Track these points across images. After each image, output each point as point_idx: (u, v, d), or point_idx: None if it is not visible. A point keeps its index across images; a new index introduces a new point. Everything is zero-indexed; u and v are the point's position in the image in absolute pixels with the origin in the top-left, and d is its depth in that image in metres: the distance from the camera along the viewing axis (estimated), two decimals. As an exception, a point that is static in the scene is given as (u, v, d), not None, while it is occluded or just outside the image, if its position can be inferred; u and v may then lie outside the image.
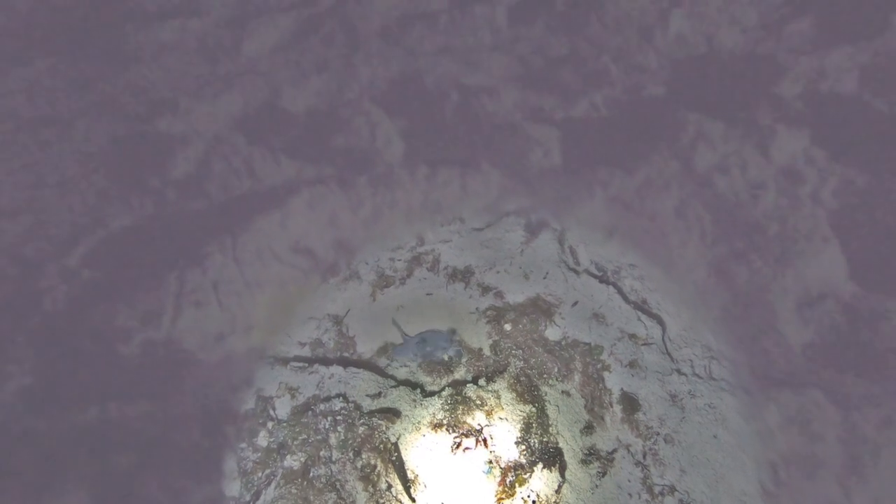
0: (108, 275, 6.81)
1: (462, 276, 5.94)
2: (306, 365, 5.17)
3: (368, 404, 4.39)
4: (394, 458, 4.05)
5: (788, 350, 4.76)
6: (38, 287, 6.86)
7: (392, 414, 4.17)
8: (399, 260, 6.39)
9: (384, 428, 4.19)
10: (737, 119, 7.16)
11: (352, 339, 5.77)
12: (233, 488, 4.33)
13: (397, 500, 3.91)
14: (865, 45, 8.26)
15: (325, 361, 5.09)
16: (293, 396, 4.82)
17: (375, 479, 3.99)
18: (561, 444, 4.27)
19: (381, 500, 3.91)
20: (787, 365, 4.61)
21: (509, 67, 9.94)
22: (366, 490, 3.96)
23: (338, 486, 3.94)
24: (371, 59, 10.33)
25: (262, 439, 4.51)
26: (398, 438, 4.19)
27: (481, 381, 4.76)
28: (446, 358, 4.96)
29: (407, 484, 4.01)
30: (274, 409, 4.78)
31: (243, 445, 4.47)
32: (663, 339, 4.88)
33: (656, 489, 3.98)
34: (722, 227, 5.78)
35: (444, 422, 4.29)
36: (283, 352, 5.47)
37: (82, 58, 10.97)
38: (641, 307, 5.18)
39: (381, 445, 4.08)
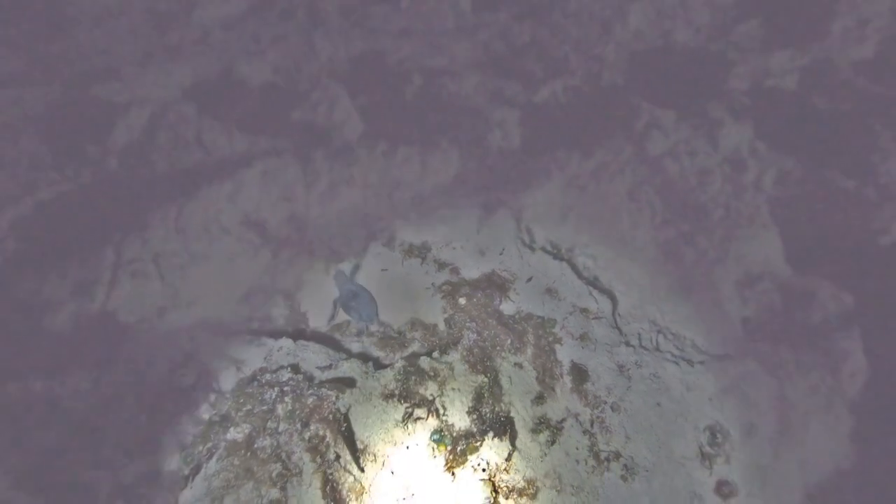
0: (37, 244, 6.34)
1: (418, 251, 5.90)
2: (253, 338, 4.99)
3: (319, 376, 4.29)
4: (343, 429, 3.96)
5: (729, 324, 5.00)
6: (-42, 257, 6.32)
7: (343, 384, 4.08)
8: (355, 236, 6.27)
9: (334, 398, 4.10)
10: (687, 110, 7.46)
11: (304, 315, 5.62)
12: (171, 463, 4.13)
13: (346, 469, 3.83)
14: (807, 47, 8.74)
15: (274, 334, 4.93)
16: (238, 369, 4.65)
17: (324, 449, 3.90)
18: (512, 414, 4.31)
19: (329, 471, 3.83)
20: (727, 338, 4.84)
21: (472, 52, 9.91)
22: (313, 461, 3.86)
23: (283, 457, 3.82)
24: (331, 37, 10.07)
25: (204, 412, 4.32)
26: (348, 409, 4.11)
27: (435, 354, 4.74)
28: (356, 323, 4.86)
29: (356, 454, 3.94)
30: (217, 381, 4.59)
31: (185, 418, 4.26)
32: (613, 314, 5.01)
33: (602, 455, 4.08)
34: (671, 210, 6.01)
35: (396, 392, 4.24)
36: (229, 325, 5.26)
37: (13, 18, 10.19)
38: (593, 283, 5.31)
39: (331, 416, 3.99)
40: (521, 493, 3.94)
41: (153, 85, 8.92)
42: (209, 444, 4.12)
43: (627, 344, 4.64)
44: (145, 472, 4.16)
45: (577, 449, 4.15)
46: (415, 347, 5.01)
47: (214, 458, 4.04)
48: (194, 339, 5.13)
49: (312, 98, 8.58)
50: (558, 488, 3.92)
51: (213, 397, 4.40)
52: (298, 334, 4.96)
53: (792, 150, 6.80)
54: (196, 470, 4.04)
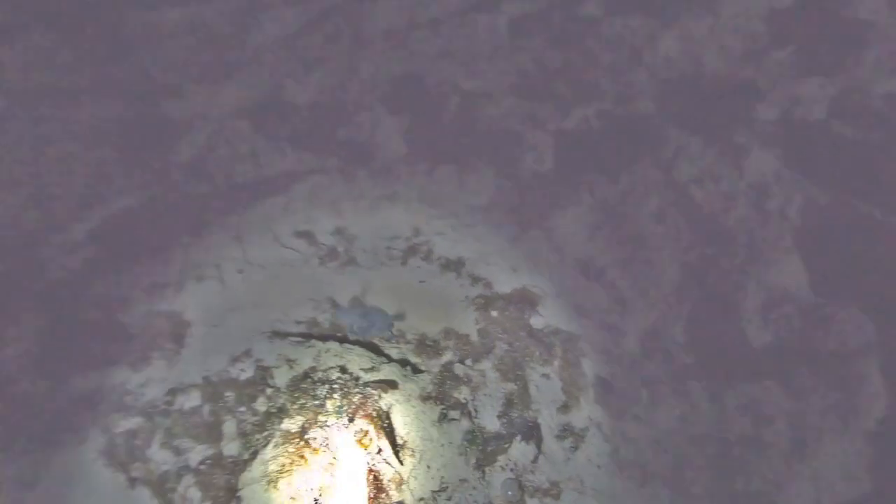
0: (112, 249, 7.03)
1: (454, 266, 6.32)
2: (304, 340, 5.48)
3: (363, 377, 4.73)
4: (385, 425, 4.38)
5: (748, 346, 5.23)
6: (41, 257, 7.05)
7: (388, 385, 4.52)
8: (395, 249, 6.74)
9: (377, 397, 4.53)
10: (715, 137, 7.70)
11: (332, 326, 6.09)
12: (231, 448, 4.62)
13: (387, 462, 4.24)
14: (838, 76, 8.89)
15: (322, 337, 5.41)
16: (291, 367, 5.13)
17: (368, 443, 4.32)
18: (539, 420, 4.65)
19: (372, 462, 4.24)
20: (747, 358, 5.07)
21: (507, 75, 10.38)
22: (356, 454, 4.28)
23: (332, 448, 4.26)
24: (373, 59, 10.68)
25: (261, 404, 4.81)
26: (390, 408, 4.53)
27: (468, 362, 5.12)
28: (379, 338, 5.31)
29: (396, 449, 4.34)
30: (272, 377, 5.08)
31: (242, 409, 4.76)
32: (636, 332, 5.31)
33: (624, 462, 4.38)
34: (696, 234, 6.27)
35: (433, 395, 4.64)
36: (280, 328, 5.78)
37: (83, 36, 11.12)
38: (618, 302, 5.62)
39: (375, 413, 4.41)
40: (545, 493, 4.27)
41: (210, 102, 9.66)
42: (266, 433, 4.60)
43: (650, 360, 4.93)
44: (210, 455, 4.66)
45: (598, 455, 4.45)
46: (449, 355, 5.41)
47: (270, 446, 4.51)
48: (251, 339, 5.66)
49: (356, 118, 9.16)
50: (580, 490, 4.24)
51: (269, 391, 4.88)
52: (344, 338, 5.42)
53: (818, 179, 6.97)
54: (254, 455, 4.52)
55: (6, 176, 8.19)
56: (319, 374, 4.67)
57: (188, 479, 4.58)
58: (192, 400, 5.19)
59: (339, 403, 4.49)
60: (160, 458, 4.77)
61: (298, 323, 5.99)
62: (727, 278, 5.84)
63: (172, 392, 5.29)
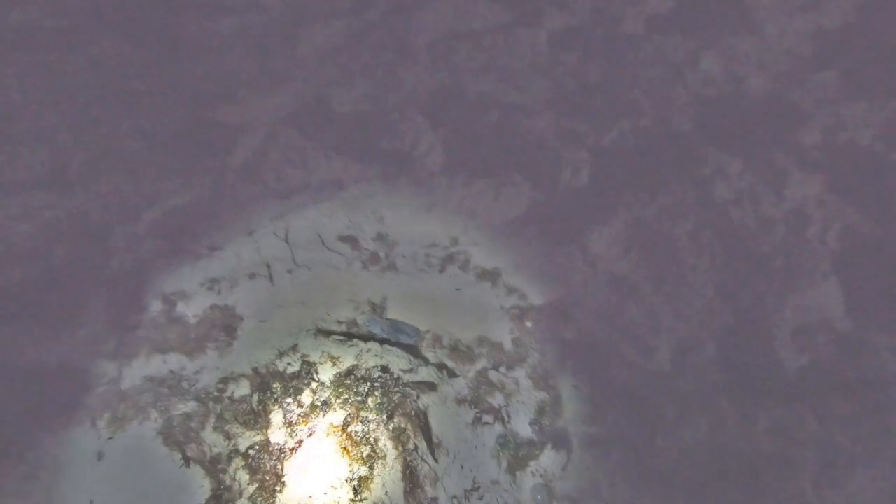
0: (172, 244, 7.52)
1: (490, 276, 6.54)
2: (346, 339, 5.79)
3: (402, 377, 5.00)
4: (422, 424, 4.63)
5: (782, 368, 5.26)
6: (108, 248, 7.61)
7: (427, 387, 4.76)
8: (434, 257, 7.01)
9: (416, 397, 4.78)
10: (755, 159, 7.70)
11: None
12: (278, 436, 4.95)
13: (422, 459, 4.48)
14: (884, 102, 8.74)
15: (364, 338, 5.70)
16: (334, 364, 5.44)
17: (405, 440, 4.58)
18: (569, 429, 4.81)
19: (409, 458, 4.49)
20: (780, 381, 5.11)
21: (547, 90, 10.56)
22: (395, 448, 4.54)
23: (372, 441, 4.53)
24: (416, 71, 11.02)
25: (306, 397, 5.13)
26: (427, 408, 4.77)
27: (502, 369, 5.33)
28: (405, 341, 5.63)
29: (432, 447, 4.58)
30: (317, 373, 5.40)
31: (289, 401, 5.09)
32: (667, 345, 5.40)
33: (650, 474, 4.50)
34: (731, 255, 6.31)
35: (468, 398, 4.86)
36: (324, 326, 6.11)
37: (145, 43, 11.82)
38: (652, 316, 5.72)
39: (413, 412, 4.66)
40: (573, 500, 4.43)
41: (261, 109, 10.17)
42: (310, 424, 4.91)
43: (681, 377, 5.03)
44: (258, 441, 5.01)
45: (624, 464, 4.58)
46: (483, 362, 5.63)
47: (314, 437, 4.81)
48: (297, 335, 6.01)
49: (399, 129, 9.49)
50: (607, 500, 4.38)
51: (314, 385, 5.20)
52: (385, 340, 5.71)
53: (860, 205, 6.90)
54: (299, 444, 4.83)
55: (76, 173, 8.83)
56: (362, 372, 4.96)
57: (238, 462, 4.93)
58: (241, 389, 5.56)
59: (379, 401, 4.76)
60: (212, 440, 5.14)
61: (339, 323, 6.33)
62: (762, 300, 5.87)
63: (224, 380, 5.68)
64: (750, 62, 10.33)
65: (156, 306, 6.54)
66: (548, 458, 4.63)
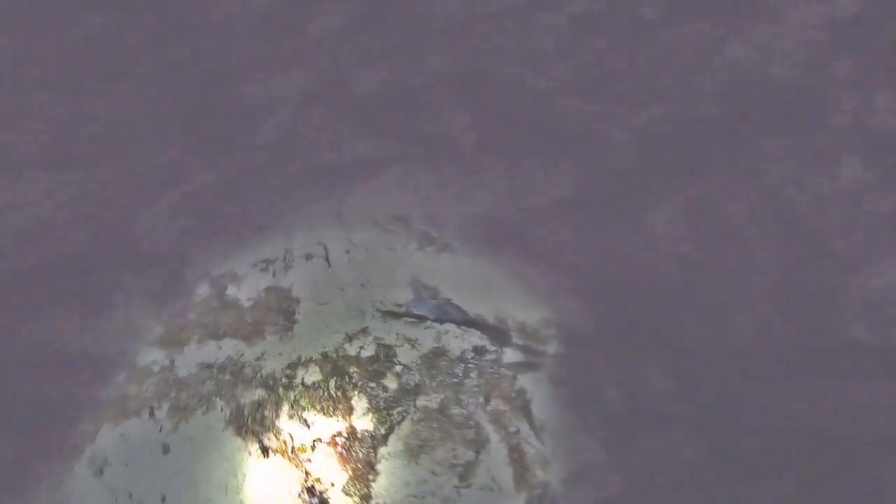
0: (205, 224, 7.03)
1: (548, 255, 6.36)
2: (419, 321, 5.52)
3: (495, 357, 4.78)
4: (523, 406, 4.43)
5: (855, 346, 5.32)
6: (133, 230, 7.05)
7: (522, 367, 4.56)
8: (487, 236, 6.78)
9: (512, 378, 4.58)
10: (795, 141, 7.78)
11: (446, 306, 6.12)
12: (364, 423, 4.66)
13: (526, 441, 4.29)
14: None
15: (440, 319, 5.44)
16: (413, 346, 5.17)
17: (506, 422, 4.37)
18: (651, 408, 4.69)
19: (511, 441, 4.29)
20: (859, 359, 5.15)
21: (573, 74, 10.38)
22: (497, 431, 4.33)
23: (473, 425, 4.31)
24: (436, 52, 10.66)
25: (391, 381, 4.85)
26: (525, 389, 4.58)
27: (576, 350, 5.17)
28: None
29: (535, 429, 4.39)
30: (395, 356, 5.12)
31: (372, 385, 4.80)
32: (740, 326, 5.37)
33: (741, 453, 4.43)
34: (790, 234, 6.35)
35: (563, 379, 4.69)
36: (391, 309, 5.81)
37: (143, 21, 11.02)
38: (720, 296, 5.69)
39: (512, 394, 4.46)
40: (674, 483, 4.33)
41: (279, 89, 9.64)
42: (400, 409, 4.64)
43: (758, 355, 5.00)
44: (344, 428, 4.70)
45: (708, 442, 4.51)
46: (555, 344, 5.46)
47: (407, 421, 4.55)
48: (362, 318, 5.69)
49: (431, 110, 9.16)
50: (698, 479, 4.29)
51: (398, 368, 4.92)
52: (464, 321, 5.47)
53: (901, 188, 7.06)
54: (390, 430, 4.56)
55: (82, 153, 8.18)
56: (456, 353, 4.71)
57: (323, 450, 4.62)
58: (312, 374, 5.22)
59: (476, 382, 4.53)
60: (290, 429, 4.80)
61: (398, 306, 6.03)
62: (827, 279, 5.93)
63: (292, 366, 5.32)
64: (772, 49, 10.42)
65: (203, 289, 6.08)
66: (641, 437, 4.51)
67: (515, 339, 5.41)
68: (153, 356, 5.54)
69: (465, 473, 4.26)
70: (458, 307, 5.70)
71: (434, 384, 4.60)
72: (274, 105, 9.24)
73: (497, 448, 4.36)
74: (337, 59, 10.32)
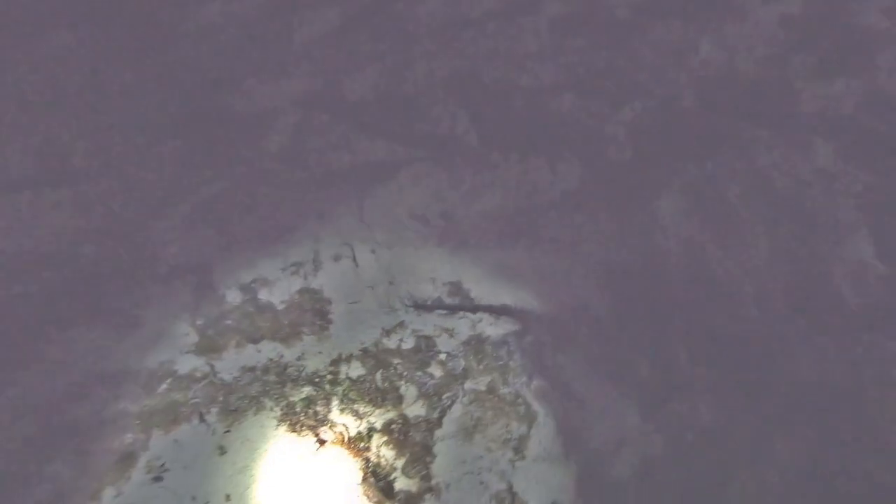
0: (222, 233, 7.08)
1: (566, 243, 6.72)
2: (451, 312, 5.78)
3: (536, 340, 5.08)
4: (562, 382, 4.75)
5: (843, 306, 5.89)
6: (149, 243, 7.05)
7: (560, 347, 4.88)
8: (503, 230, 7.09)
9: (550, 356, 4.89)
10: (773, 129, 8.43)
11: (470, 298, 6.41)
12: (415, 409, 4.89)
13: (570, 413, 4.61)
14: (859, 78, 9.77)
15: (472, 309, 5.72)
16: (451, 336, 5.42)
17: (550, 397, 4.69)
18: (685, 375, 5.09)
19: (557, 416, 4.61)
20: (842, 318, 5.72)
21: (558, 74, 10.83)
22: (541, 407, 4.64)
23: (522, 402, 4.60)
24: (425, 57, 10.92)
25: (435, 369, 5.09)
26: (564, 367, 4.90)
27: (601, 332, 5.53)
28: None
29: (576, 402, 4.71)
30: (436, 346, 5.36)
31: (419, 374, 5.03)
32: (746, 298, 5.86)
33: (769, 411, 4.87)
34: (780, 213, 6.92)
35: (594, 355, 5.03)
36: (423, 303, 6.04)
37: (119, 33, 10.89)
38: (725, 273, 6.18)
39: (553, 372, 4.77)
40: (709, 439, 4.73)
41: (273, 96, 9.72)
42: (449, 394, 4.89)
43: (764, 325, 5.48)
44: (396, 416, 4.91)
45: (734, 402, 4.94)
46: (580, 326, 5.82)
47: (458, 404, 4.80)
48: (396, 313, 5.91)
49: (431, 113, 9.43)
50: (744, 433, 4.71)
51: (442, 356, 5.17)
52: (496, 309, 5.75)
53: (867, 164, 7.77)
54: (442, 414, 4.80)
55: (84, 169, 8.10)
56: (497, 337, 4.99)
57: (379, 439, 4.81)
58: (356, 369, 5.40)
59: (519, 363, 4.83)
60: (344, 421, 4.97)
61: (424, 300, 6.26)
62: (814, 252, 6.51)
63: (335, 363, 5.48)
64: (739, 47, 11.13)
65: (234, 296, 6.15)
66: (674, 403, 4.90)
67: (545, 324, 5.72)
68: (193, 364, 5.60)
69: (519, 447, 4.54)
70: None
71: (481, 367, 4.87)
72: (272, 113, 9.31)
73: (545, 421, 4.66)
74: (326, 65, 10.45)
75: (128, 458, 4.81)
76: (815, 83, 10.19)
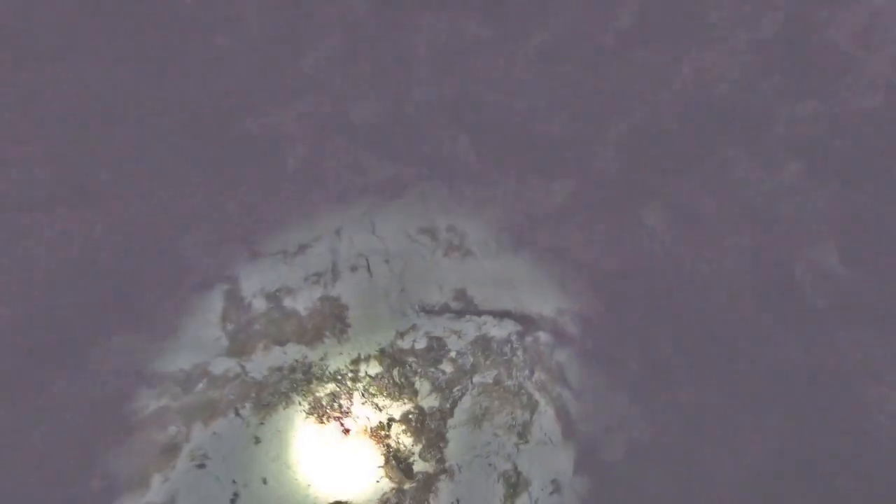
0: (248, 247, 7.67)
1: (559, 252, 7.36)
2: (458, 315, 6.37)
3: (537, 339, 5.68)
4: (560, 375, 5.34)
5: (808, 305, 6.53)
6: (180, 257, 7.62)
7: (559, 345, 5.47)
8: (503, 242, 7.73)
9: (550, 353, 5.49)
10: (747, 147, 9.18)
11: (475, 304, 7.00)
12: (430, 401, 5.46)
13: (568, 403, 5.20)
14: (827, 99, 10.57)
15: (478, 312, 6.31)
16: (459, 337, 6.01)
17: (550, 389, 5.27)
18: (672, 362, 5.69)
19: (557, 404, 5.20)
20: (807, 316, 6.36)
21: (549, 98, 11.59)
22: (542, 397, 5.23)
23: (524, 393, 5.19)
24: (425, 83, 11.68)
25: (446, 365, 5.67)
26: (562, 363, 5.50)
27: (590, 334, 6.13)
28: None
29: (573, 393, 5.30)
30: (446, 346, 5.94)
31: (432, 370, 5.61)
32: (721, 299, 6.49)
33: (748, 395, 5.47)
34: (754, 222, 7.61)
35: (592, 353, 5.63)
36: (431, 308, 6.63)
37: (131, 64, 11.57)
38: (703, 275, 6.82)
39: (553, 365, 5.37)
40: (691, 423, 5.31)
41: (287, 121, 10.41)
42: (459, 387, 5.47)
43: (739, 323, 6.10)
44: (412, 407, 5.47)
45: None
46: (571, 327, 6.42)
47: (468, 395, 5.38)
48: (408, 317, 6.49)
49: (433, 135, 10.12)
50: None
51: (452, 354, 5.75)
52: (498, 312, 6.34)
53: (835, 177, 8.50)
54: (454, 404, 5.37)
55: (117, 187, 8.69)
56: (504, 335, 5.58)
57: (398, 428, 5.37)
58: (374, 368, 5.96)
59: (521, 359, 5.42)
60: (366, 412, 5.52)
61: (432, 306, 6.86)
62: (783, 258, 7.18)
63: (355, 362, 6.05)
64: (716, 70, 11.97)
65: (260, 303, 6.72)
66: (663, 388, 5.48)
67: (543, 325, 6.32)
68: (226, 365, 6.14)
69: (523, 432, 5.11)
70: None
71: (488, 363, 5.45)
72: (286, 137, 9.97)
73: (546, 410, 5.24)
74: (332, 91, 11.16)
75: (172, 449, 5.33)
76: (786, 104, 11.01)
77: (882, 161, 8.67)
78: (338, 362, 6.08)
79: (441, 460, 4.98)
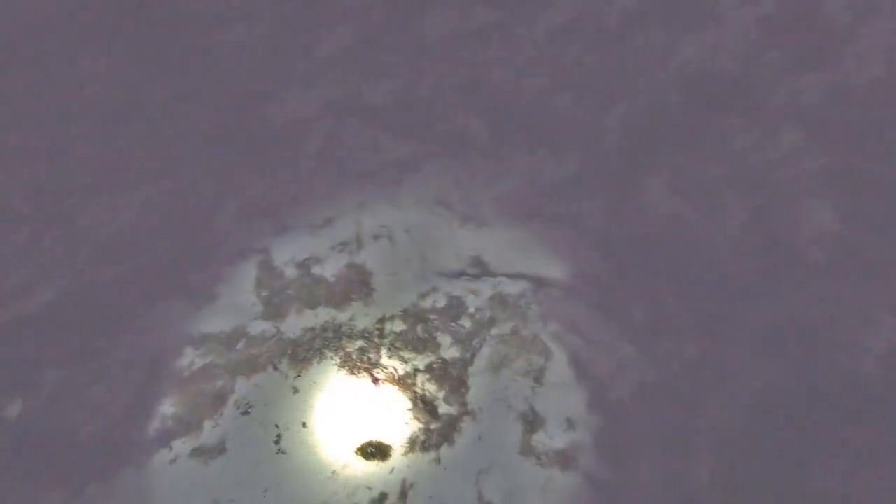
0: (276, 222, 8.12)
1: (572, 220, 7.71)
2: (476, 277, 6.77)
3: (550, 293, 6.06)
4: (572, 326, 5.72)
5: (802, 264, 6.82)
6: (213, 234, 8.10)
7: (569, 300, 5.85)
8: (517, 212, 8.09)
9: (561, 306, 5.87)
10: (749, 118, 9.39)
11: (489, 269, 7.39)
12: (451, 352, 5.88)
13: (580, 350, 5.58)
14: (825, 71, 10.68)
15: (493, 274, 6.71)
16: (477, 295, 6.42)
17: (563, 338, 5.66)
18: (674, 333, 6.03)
19: (569, 351, 5.58)
20: (804, 271, 6.65)
21: (556, 77, 11.84)
22: (555, 345, 5.62)
23: (539, 342, 5.59)
24: (436, 66, 11.99)
25: (465, 321, 6.09)
26: (572, 315, 5.87)
27: (598, 292, 6.49)
28: None
29: (584, 341, 5.68)
30: (464, 304, 6.35)
31: (452, 325, 6.02)
32: (725, 261, 6.80)
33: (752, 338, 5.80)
34: (754, 189, 7.87)
35: (603, 306, 6.00)
36: (450, 272, 7.04)
37: (143, 58, 12.02)
38: (708, 240, 7.13)
39: (563, 318, 5.75)
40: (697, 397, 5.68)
41: (304, 105, 10.81)
42: (478, 339, 5.88)
43: (743, 285, 6.42)
44: (435, 359, 5.91)
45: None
46: (586, 284, 6.79)
47: (486, 346, 5.80)
48: (429, 281, 6.91)
49: (446, 115, 10.46)
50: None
51: (471, 309, 6.17)
52: (514, 274, 6.74)
53: (835, 148, 8.70)
54: (474, 354, 5.79)
55: (150, 171, 9.17)
56: (519, 289, 5.98)
57: (422, 377, 5.81)
58: (399, 325, 6.40)
59: (535, 311, 5.81)
60: (393, 364, 5.98)
61: (452, 271, 7.27)
62: (783, 220, 7.45)
63: (380, 321, 6.49)
64: (718, 47, 12.11)
65: (291, 271, 7.19)
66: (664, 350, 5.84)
67: (555, 283, 6.69)
68: (262, 327, 6.64)
69: (538, 377, 5.52)
70: None
71: (504, 316, 5.86)
72: (305, 120, 10.39)
73: (559, 356, 5.64)
74: (347, 76, 11.55)
75: (220, 399, 5.84)
76: (786, 77, 11.15)
77: (881, 128, 8.85)
78: (365, 322, 6.53)
79: (463, 403, 5.41)
